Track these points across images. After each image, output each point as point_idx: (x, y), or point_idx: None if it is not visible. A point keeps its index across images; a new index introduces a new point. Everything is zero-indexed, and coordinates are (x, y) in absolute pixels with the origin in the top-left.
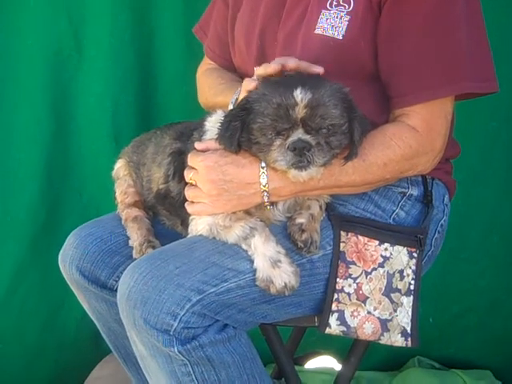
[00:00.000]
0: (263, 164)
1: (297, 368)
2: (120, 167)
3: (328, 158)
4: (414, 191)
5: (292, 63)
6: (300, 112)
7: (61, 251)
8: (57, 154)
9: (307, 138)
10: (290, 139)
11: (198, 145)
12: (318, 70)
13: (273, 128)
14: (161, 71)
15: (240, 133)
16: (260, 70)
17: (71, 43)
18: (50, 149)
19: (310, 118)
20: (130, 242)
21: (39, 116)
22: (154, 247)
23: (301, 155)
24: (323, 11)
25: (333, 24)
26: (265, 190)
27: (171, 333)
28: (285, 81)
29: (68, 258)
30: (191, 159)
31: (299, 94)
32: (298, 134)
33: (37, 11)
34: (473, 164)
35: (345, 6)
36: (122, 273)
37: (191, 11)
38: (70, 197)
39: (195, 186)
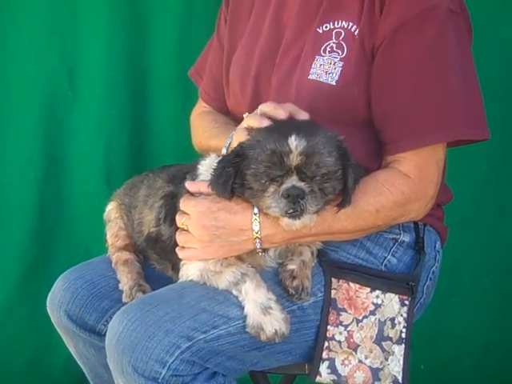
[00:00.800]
0: (256, 210)
1: None
2: (111, 209)
3: (321, 205)
4: (406, 237)
5: (282, 114)
6: (294, 159)
7: (49, 294)
8: (48, 194)
9: (301, 185)
10: (284, 186)
11: (189, 185)
12: (304, 116)
13: (267, 175)
14: (154, 112)
15: (233, 179)
16: (250, 122)
17: (65, 83)
18: (41, 188)
19: (304, 166)
20: (120, 286)
21: (32, 154)
22: (144, 291)
23: (294, 202)
24: (317, 57)
25: (326, 70)
26: (257, 237)
27: (159, 380)
28: (279, 127)
29: (56, 302)
30: (183, 204)
31: (294, 142)
32: (292, 180)
33: (31, 50)
34: (464, 207)
35: (338, 53)
36: (110, 317)
37: (185, 53)
38: (60, 236)
39: (187, 231)
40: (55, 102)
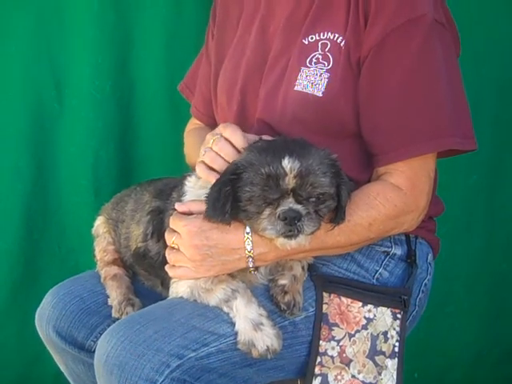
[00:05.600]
0: (248, 229)
1: None
2: (99, 224)
3: (317, 226)
4: (398, 250)
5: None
6: (290, 182)
7: (38, 310)
8: (36, 205)
9: (298, 207)
10: (281, 208)
11: (179, 207)
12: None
13: (262, 198)
14: (142, 122)
15: (231, 200)
16: (224, 131)
17: (52, 93)
18: (29, 199)
19: (300, 188)
20: (109, 301)
21: (19, 165)
22: (133, 305)
23: (291, 224)
24: (303, 68)
25: (312, 81)
26: (250, 256)
27: None
28: (271, 148)
29: (45, 318)
30: (173, 223)
31: (288, 164)
32: (289, 203)
33: (18, 61)
34: (455, 217)
35: (324, 64)
36: (100, 333)
37: (173, 62)
38: (48, 247)
39: (177, 249)
40: (42, 112)
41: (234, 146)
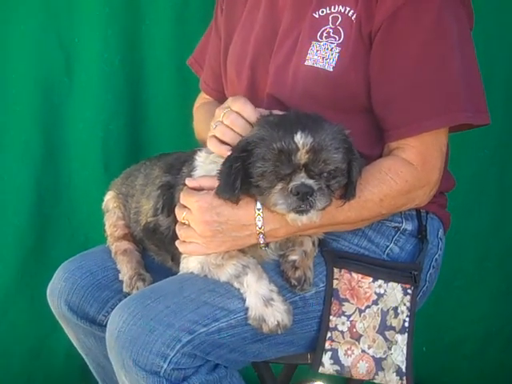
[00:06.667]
0: (259, 205)
1: None
2: (109, 199)
3: (329, 202)
4: (408, 226)
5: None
6: (302, 157)
7: (49, 284)
8: (46, 179)
9: (310, 182)
10: (293, 183)
11: (189, 182)
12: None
13: (275, 173)
14: (152, 97)
15: (242, 176)
16: (233, 105)
17: (62, 69)
18: (39, 173)
19: (312, 163)
20: (120, 276)
21: (29, 141)
22: (144, 280)
23: (303, 199)
24: (313, 42)
25: (323, 56)
26: (261, 232)
27: (161, 374)
28: (283, 122)
29: (57, 292)
30: (184, 198)
31: (300, 139)
32: (301, 178)
33: (27, 37)
34: (465, 192)
35: (335, 38)
36: (111, 308)
37: (182, 36)
38: (58, 222)
39: (188, 225)
40: (52, 88)
41: (245, 119)
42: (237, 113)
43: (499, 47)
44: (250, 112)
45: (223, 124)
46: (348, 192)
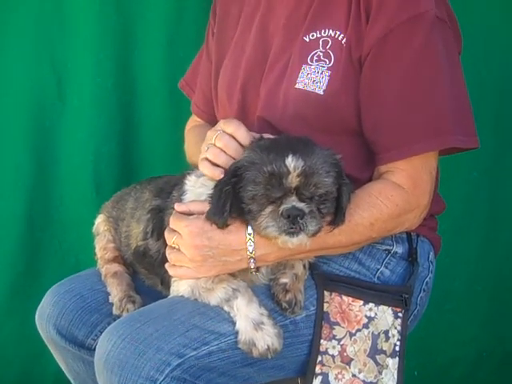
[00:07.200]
0: (250, 230)
1: None
2: (100, 222)
3: (319, 225)
4: (399, 249)
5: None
6: (293, 181)
7: (38, 308)
8: (37, 202)
9: (301, 205)
10: (284, 206)
11: (178, 207)
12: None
13: (266, 196)
14: (143, 120)
15: (233, 200)
16: (226, 127)
17: (54, 91)
18: (30, 196)
19: (303, 187)
20: (110, 298)
21: (21, 163)
22: (134, 302)
23: (294, 222)
24: (304, 66)
25: (314, 79)
26: (251, 257)
27: None
28: (274, 146)
29: (45, 316)
30: (174, 223)
31: (291, 162)
32: (292, 201)
33: (20, 60)
34: (455, 215)
35: (325, 61)
36: (100, 332)
37: (174, 59)
38: (49, 244)
39: (178, 249)
40: (44, 111)
41: (238, 142)
42: (230, 135)
43: (488, 70)
44: (243, 135)
45: (215, 146)
46: (337, 217)
